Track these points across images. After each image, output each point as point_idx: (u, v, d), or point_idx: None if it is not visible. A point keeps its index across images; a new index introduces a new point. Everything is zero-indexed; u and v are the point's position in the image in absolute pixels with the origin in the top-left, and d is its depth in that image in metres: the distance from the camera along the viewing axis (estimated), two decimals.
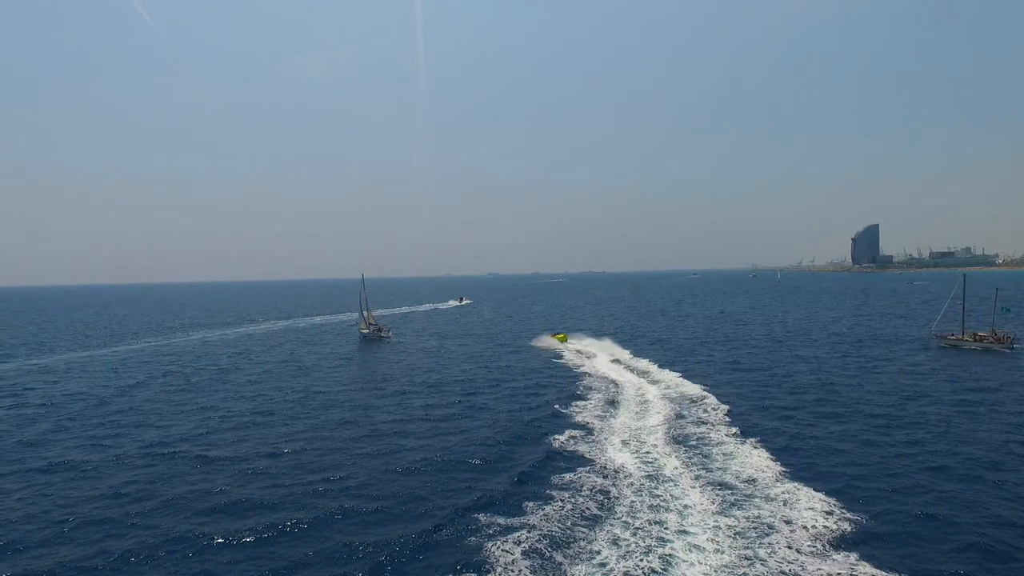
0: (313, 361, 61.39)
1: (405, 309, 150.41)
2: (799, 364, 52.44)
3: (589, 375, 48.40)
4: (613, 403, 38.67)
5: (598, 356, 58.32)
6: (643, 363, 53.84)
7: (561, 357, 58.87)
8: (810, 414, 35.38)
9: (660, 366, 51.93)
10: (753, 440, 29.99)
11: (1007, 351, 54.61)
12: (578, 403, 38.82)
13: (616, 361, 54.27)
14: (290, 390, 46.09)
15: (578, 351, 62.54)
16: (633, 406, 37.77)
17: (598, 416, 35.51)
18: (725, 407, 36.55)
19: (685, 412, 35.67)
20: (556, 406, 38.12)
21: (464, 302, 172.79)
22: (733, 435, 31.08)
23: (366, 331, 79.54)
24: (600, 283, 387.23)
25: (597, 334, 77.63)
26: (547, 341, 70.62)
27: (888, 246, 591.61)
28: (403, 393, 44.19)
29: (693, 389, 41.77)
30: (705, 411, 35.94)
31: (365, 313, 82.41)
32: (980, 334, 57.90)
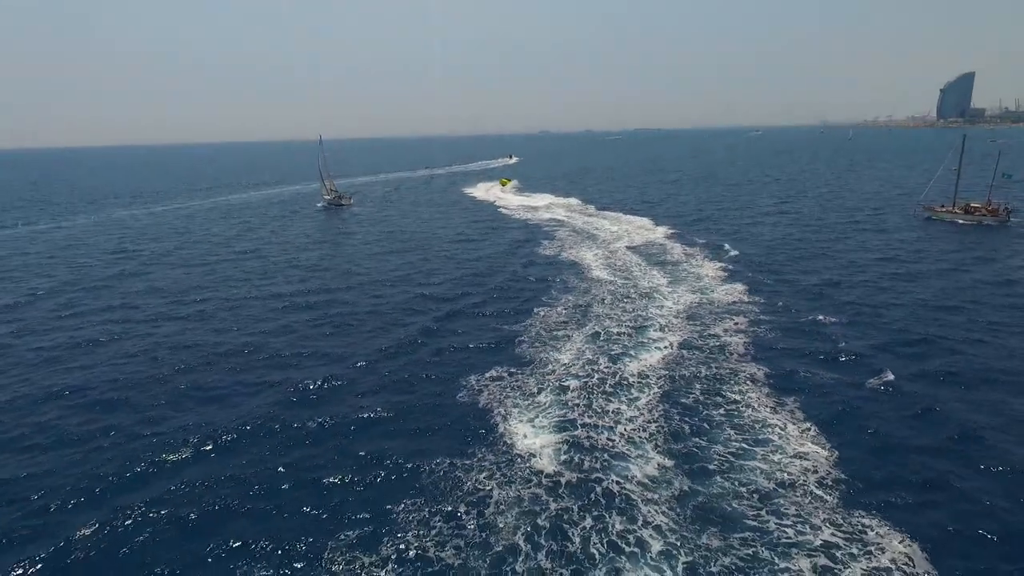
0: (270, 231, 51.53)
1: (456, 168, 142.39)
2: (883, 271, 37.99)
3: (580, 266, 35.43)
4: (586, 313, 26.50)
5: (602, 236, 44.44)
6: (669, 247, 40.77)
7: (554, 237, 45.29)
8: (908, 375, 21.72)
9: (685, 250, 38.64)
10: (797, 405, 17.94)
11: (999, 224, 46.16)
12: (541, 311, 27.14)
13: (632, 248, 39.93)
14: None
15: (574, 231, 48.29)
16: (615, 318, 25.58)
17: (552, 340, 23.71)
18: (760, 332, 24.04)
19: (697, 338, 23.30)
20: (501, 320, 26.54)
21: (513, 160, 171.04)
22: (767, 397, 18.85)
23: (328, 197, 72.17)
24: (655, 141, 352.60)
25: (626, 207, 63.60)
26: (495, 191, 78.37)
27: (983, 98, 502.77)
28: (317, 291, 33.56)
29: (725, 293, 29.12)
30: (728, 335, 23.63)
31: (326, 181, 74.04)
32: (973, 204, 49.42)
